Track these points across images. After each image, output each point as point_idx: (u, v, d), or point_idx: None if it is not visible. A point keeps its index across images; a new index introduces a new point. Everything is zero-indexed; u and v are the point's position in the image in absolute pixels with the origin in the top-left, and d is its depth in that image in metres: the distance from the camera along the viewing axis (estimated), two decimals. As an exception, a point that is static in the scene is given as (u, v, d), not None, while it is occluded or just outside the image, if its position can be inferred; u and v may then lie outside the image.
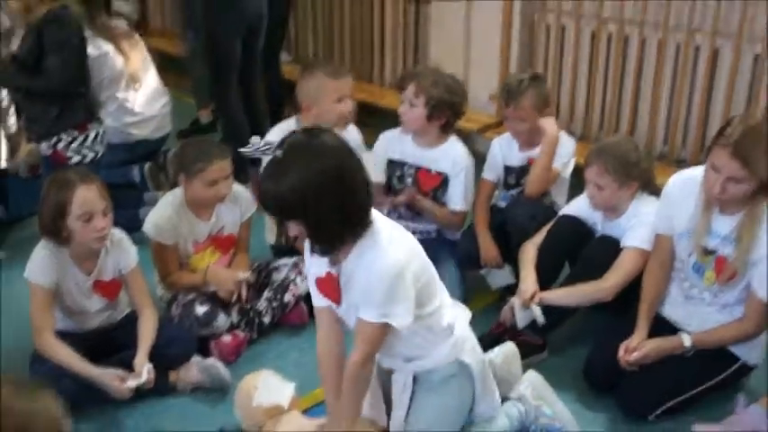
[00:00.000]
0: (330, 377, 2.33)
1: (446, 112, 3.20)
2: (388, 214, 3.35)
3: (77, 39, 3.41)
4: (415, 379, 2.36)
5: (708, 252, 2.64)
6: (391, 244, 2.11)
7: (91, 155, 3.52)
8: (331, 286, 2.22)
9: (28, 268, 2.72)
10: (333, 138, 2.11)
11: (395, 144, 3.35)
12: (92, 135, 3.53)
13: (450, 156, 3.28)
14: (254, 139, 3.07)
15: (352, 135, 3.39)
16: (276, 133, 3.24)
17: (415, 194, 3.28)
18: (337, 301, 2.24)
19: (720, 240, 2.61)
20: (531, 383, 2.58)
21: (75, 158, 3.48)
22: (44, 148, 3.52)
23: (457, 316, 2.36)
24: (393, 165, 3.35)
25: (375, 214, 2.17)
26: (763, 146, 2.40)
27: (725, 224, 2.59)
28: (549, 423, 2.55)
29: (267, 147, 2.93)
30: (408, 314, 2.12)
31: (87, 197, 2.65)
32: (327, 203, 2.02)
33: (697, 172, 2.64)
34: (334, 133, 2.16)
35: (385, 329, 2.15)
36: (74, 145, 3.47)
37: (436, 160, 3.29)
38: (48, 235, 2.71)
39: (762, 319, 2.61)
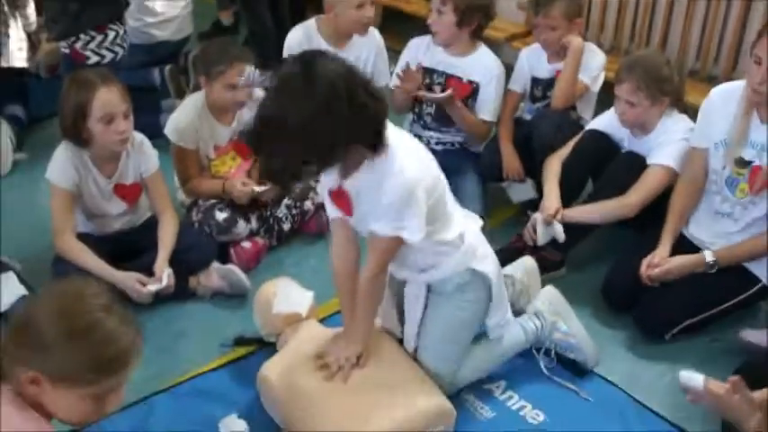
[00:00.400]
0: (345, 288, 2.35)
1: (476, 15, 3.11)
2: (413, 123, 3.34)
3: None
4: (428, 288, 2.37)
5: (744, 163, 2.59)
6: (404, 159, 2.07)
7: (110, 55, 3.46)
8: (343, 199, 2.20)
9: (49, 169, 2.72)
10: (326, 66, 1.98)
11: (424, 51, 3.27)
12: (111, 35, 3.45)
13: (482, 64, 3.21)
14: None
15: (373, 40, 3.33)
16: (291, 40, 3.24)
17: (453, 95, 3.17)
18: (349, 213, 2.23)
19: (758, 151, 2.56)
20: (549, 299, 2.58)
21: (94, 59, 3.42)
22: (63, 46, 3.47)
23: (467, 225, 2.34)
24: (422, 72, 3.26)
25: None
26: None
27: (763, 133, 2.53)
28: (564, 339, 2.56)
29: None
30: (420, 229, 2.11)
31: (108, 99, 2.62)
32: (322, 135, 1.95)
33: (738, 84, 2.58)
34: (328, 58, 2.02)
35: (397, 242, 2.14)
36: (92, 45, 3.40)
37: (467, 69, 3.21)
38: (69, 136, 2.69)
39: None
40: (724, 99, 2.65)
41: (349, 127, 1.98)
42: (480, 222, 2.45)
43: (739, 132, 2.58)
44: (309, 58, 2.01)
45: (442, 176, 2.25)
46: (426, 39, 3.27)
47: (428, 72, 3.26)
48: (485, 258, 2.36)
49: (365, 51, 3.31)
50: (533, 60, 3.31)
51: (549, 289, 2.62)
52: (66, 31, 3.42)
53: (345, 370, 2.28)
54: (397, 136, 2.13)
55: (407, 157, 2.09)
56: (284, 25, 4.01)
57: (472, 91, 3.23)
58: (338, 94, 1.94)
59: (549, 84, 3.24)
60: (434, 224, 2.19)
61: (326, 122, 1.94)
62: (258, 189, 3.00)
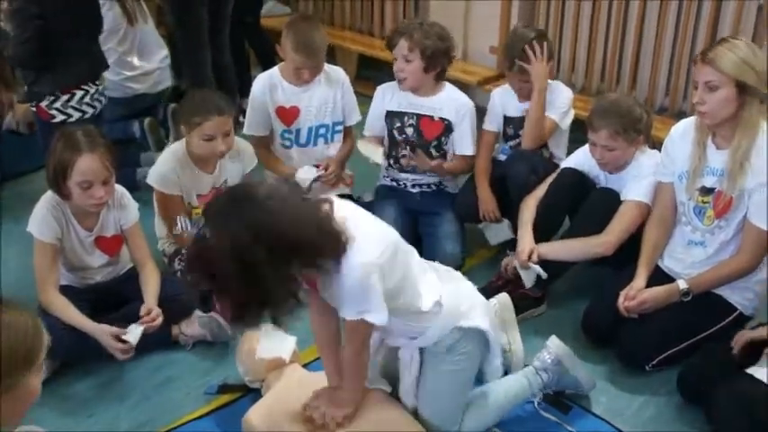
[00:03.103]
0: (327, 354, 2.38)
1: (441, 60, 3.19)
2: (388, 167, 3.39)
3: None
4: (421, 350, 2.37)
5: (707, 191, 2.66)
6: (359, 245, 2.05)
7: (77, 114, 3.37)
8: (311, 282, 2.19)
9: (31, 222, 2.73)
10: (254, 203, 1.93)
11: (393, 95, 3.34)
12: (78, 95, 3.38)
13: (452, 102, 3.28)
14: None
15: (339, 78, 3.40)
16: (255, 88, 3.36)
17: (424, 160, 3.26)
18: (315, 291, 2.23)
19: (718, 177, 2.62)
20: (556, 353, 2.59)
21: (60, 117, 3.35)
22: (31, 104, 3.45)
23: (443, 287, 2.31)
24: (392, 116, 3.34)
25: (339, 209, 2.09)
26: (730, 47, 2.48)
27: (721, 159, 2.61)
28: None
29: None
30: (382, 310, 2.11)
31: (89, 166, 2.64)
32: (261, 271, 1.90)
33: (694, 117, 2.67)
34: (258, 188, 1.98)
35: (367, 324, 2.15)
36: (57, 104, 3.34)
37: (437, 107, 3.28)
38: (52, 187, 2.72)
39: (759, 250, 2.62)
40: (682, 133, 2.74)
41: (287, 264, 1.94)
42: (458, 275, 2.46)
43: (698, 162, 2.65)
44: (239, 197, 1.96)
45: (404, 246, 2.23)
46: (392, 84, 3.34)
47: (399, 115, 3.32)
48: (472, 311, 2.35)
49: (332, 91, 3.38)
50: (505, 99, 3.38)
51: (556, 341, 2.61)
52: (30, 95, 3.41)
53: (330, 428, 2.28)
54: (351, 218, 2.10)
55: (361, 241, 2.06)
56: (227, 75, 4.04)
57: (445, 128, 3.29)
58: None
59: (520, 122, 3.31)
60: (403, 296, 2.19)
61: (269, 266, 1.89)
62: None
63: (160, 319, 2.71)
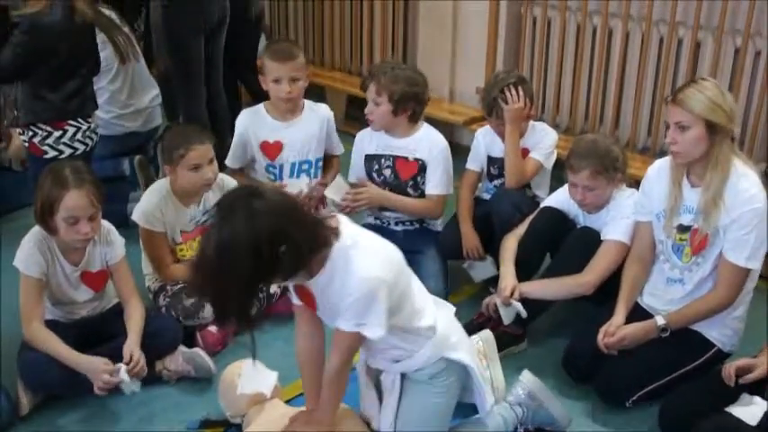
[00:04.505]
0: (308, 373, 2.41)
1: (410, 103, 3.24)
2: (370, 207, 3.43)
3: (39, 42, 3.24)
4: (403, 376, 2.40)
5: (684, 229, 2.70)
6: (366, 258, 2.13)
7: (69, 151, 3.39)
8: (306, 295, 2.27)
9: (17, 257, 2.76)
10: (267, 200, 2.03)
11: (369, 139, 3.39)
12: (70, 132, 3.40)
13: (426, 141, 3.32)
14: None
15: (323, 113, 3.48)
16: (239, 122, 3.45)
17: (379, 198, 3.34)
18: (313, 307, 2.28)
19: (694, 215, 2.67)
20: (529, 387, 2.62)
21: (52, 153, 3.37)
22: (24, 140, 3.47)
23: (438, 315, 2.38)
24: (370, 159, 3.39)
25: (346, 225, 2.18)
26: (699, 88, 2.56)
27: (696, 197, 2.66)
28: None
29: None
30: (381, 326, 2.15)
31: (76, 203, 2.67)
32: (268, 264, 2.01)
33: (669, 157, 2.73)
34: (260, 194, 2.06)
35: (360, 337, 2.19)
36: (49, 140, 3.36)
37: (411, 148, 3.32)
38: (39, 222, 2.75)
39: (734, 286, 2.65)
40: (657, 172, 2.79)
41: (297, 251, 2.03)
42: (453, 309, 2.51)
43: (674, 201, 2.70)
44: (250, 192, 2.07)
45: (407, 268, 2.30)
46: (369, 129, 3.40)
47: (376, 158, 3.37)
48: (458, 345, 2.40)
49: (316, 127, 3.45)
50: (488, 140, 3.43)
51: (528, 376, 2.65)
52: (20, 120, 3.40)
53: None
54: (359, 234, 2.20)
55: (369, 255, 2.14)
56: (222, 129, 4.06)
57: (419, 168, 3.33)
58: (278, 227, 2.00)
59: (503, 162, 3.35)
60: (400, 315, 2.23)
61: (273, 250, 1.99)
62: None
63: (143, 361, 2.72)
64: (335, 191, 3.44)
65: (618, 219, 2.95)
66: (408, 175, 3.34)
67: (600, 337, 2.73)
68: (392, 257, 2.24)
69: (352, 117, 3.77)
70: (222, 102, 4.25)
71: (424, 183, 3.35)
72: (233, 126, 3.53)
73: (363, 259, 2.13)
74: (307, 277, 2.16)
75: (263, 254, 1.97)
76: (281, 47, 3.43)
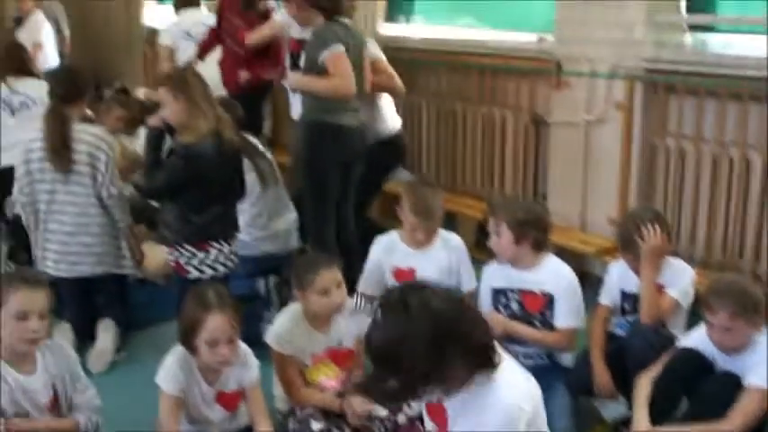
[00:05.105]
0: None
1: (531, 230, 3.26)
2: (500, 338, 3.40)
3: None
4: None
5: None
6: (509, 385, 2.12)
7: (210, 272, 3.58)
8: (440, 415, 2.26)
9: (160, 374, 2.88)
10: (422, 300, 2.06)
11: (496, 273, 3.42)
12: (213, 254, 3.60)
13: (553, 274, 3.31)
14: None
15: (456, 245, 3.59)
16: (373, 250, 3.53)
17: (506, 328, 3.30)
18: (444, 428, 2.27)
19: None
20: None
21: (195, 274, 3.56)
22: (170, 260, 3.69)
23: None
24: (497, 293, 3.39)
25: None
26: None
27: None
28: None
29: None
30: None
31: (217, 325, 2.80)
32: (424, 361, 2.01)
33: None
34: (426, 294, 2.10)
35: None
36: (194, 261, 3.57)
37: (539, 281, 3.32)
38: (182, 343, 2.89)
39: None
40: None
41: (460, 352, 2.05)
42: None
43: None
44: (410, 290, 2.12)
45: (543, 408, 2.26)
46: (495, 262, 3.42)
47: (502, 292, 3.38)
48: None
49: (448, 256, 3.53)
50: (622, 274, 3.38)
51: None
52: (168, 239, 3.64)
53: None
54: (503, 360, 2.17)
55: (513, 384, 2.13)
56: (352, 247, 4.15)
57: (548, 302, 3.31)
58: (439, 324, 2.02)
59: (638, 298, 3.28)
60: None
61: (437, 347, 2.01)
62: (376, 409, 3.03)
63: None
64: None
65: (761, 363, 2.81)
66: (536, 310, 3.32)
67: None
68: (533, 392, 2.22)
69: (482, 244, 3.82)
70: (350, 230, 4.34)
71: (552, 317, 3.32)
72: (361, 254, 3.66)
73: (507, 386, 2.11)
74: (448, 393, 2.15)
75: (443, 346, 2.00)
76: (425, 205, 3.52)
